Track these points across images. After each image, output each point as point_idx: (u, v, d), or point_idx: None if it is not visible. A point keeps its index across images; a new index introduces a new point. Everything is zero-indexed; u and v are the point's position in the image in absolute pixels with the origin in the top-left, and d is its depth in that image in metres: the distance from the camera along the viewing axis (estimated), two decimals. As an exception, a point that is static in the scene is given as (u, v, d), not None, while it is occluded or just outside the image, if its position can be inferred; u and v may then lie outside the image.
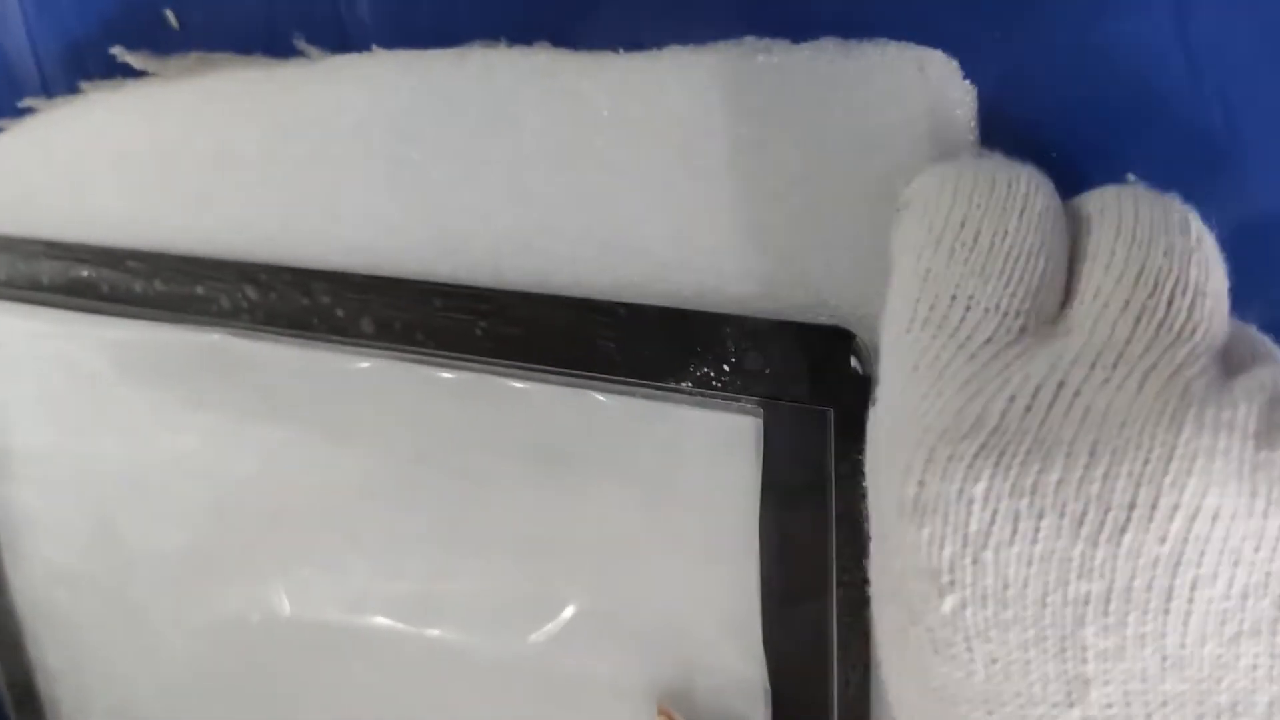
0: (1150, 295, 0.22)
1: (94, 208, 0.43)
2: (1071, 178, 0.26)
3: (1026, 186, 0.24)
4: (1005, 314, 0.23)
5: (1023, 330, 0.23)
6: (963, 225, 0.23)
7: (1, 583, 0.54)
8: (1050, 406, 0.22)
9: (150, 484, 0.46)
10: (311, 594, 0.42)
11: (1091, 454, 0.21)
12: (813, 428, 0.30)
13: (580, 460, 0.34)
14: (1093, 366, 0.22)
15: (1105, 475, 0.20)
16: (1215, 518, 0.20)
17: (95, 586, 0.50)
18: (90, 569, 0.50)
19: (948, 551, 0.21)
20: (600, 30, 0.32)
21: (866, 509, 0.31)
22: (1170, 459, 0.20)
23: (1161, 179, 0.25)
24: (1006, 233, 0.23)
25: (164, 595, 0.48)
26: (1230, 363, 0.23)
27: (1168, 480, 0.20)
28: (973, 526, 0.21)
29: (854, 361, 0.29)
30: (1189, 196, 0.24)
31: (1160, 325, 0.22)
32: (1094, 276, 0.23)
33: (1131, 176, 0.27)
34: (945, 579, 0.21)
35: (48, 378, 0.47)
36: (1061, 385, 0.22)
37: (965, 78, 0.28)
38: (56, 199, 0.44)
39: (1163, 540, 0.20)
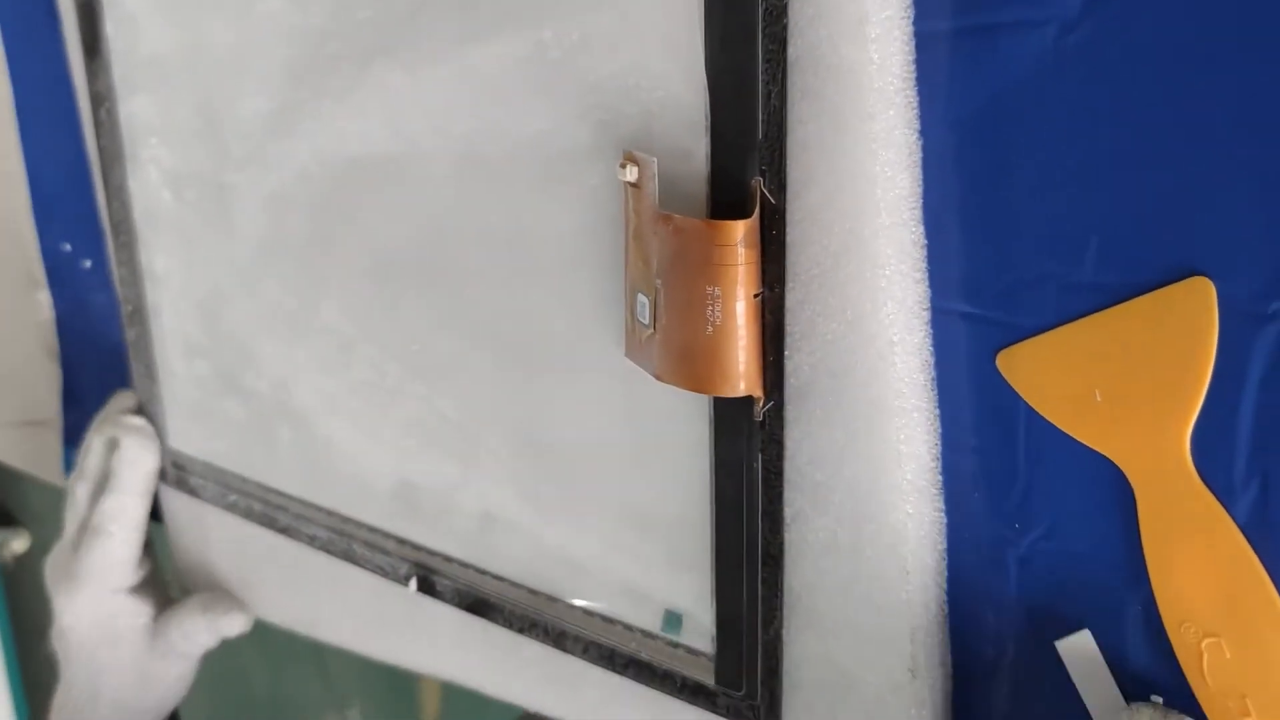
0: None
1: None
2: None
3: None
4: None
5: None
6: None
7: (126, 194, 0.63)
8: None
9: (243, 59, 0.54)
10: (366, 126, 0.50)
11: None
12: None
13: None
14: None
15: None
16: None
17: (195, 179, 0.59)
18: (192, 164, 0.59)
19: None
20: None
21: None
22: None
23: None
24: None
25: (246, 168, 0.56)
26: None
27: None
28: None
29: None
30: None
31: None
32: None
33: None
34: None
35: (170, -24, 0.56)
36: None
37: None
38: None
39: None
